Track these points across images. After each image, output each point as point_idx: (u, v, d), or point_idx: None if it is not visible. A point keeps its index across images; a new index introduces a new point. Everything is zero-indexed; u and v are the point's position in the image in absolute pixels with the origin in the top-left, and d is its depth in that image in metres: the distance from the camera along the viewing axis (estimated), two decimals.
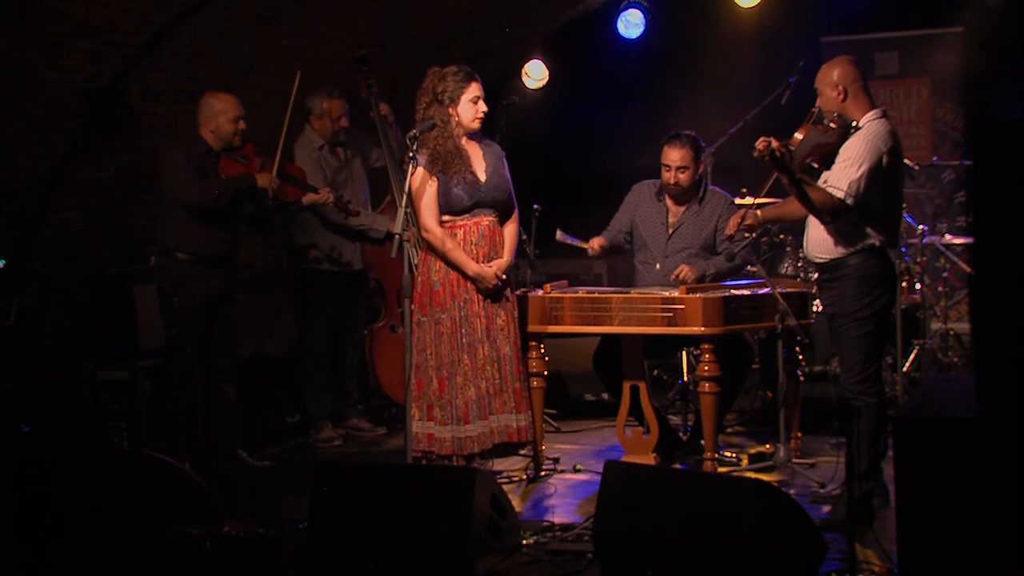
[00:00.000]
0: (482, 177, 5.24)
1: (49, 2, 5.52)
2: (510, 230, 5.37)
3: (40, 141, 6.05)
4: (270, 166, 5.92)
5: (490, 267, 5.20)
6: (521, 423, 5.26)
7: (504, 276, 5.25)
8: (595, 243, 6.02)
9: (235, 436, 6.19)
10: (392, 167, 6.60)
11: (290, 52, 6.86)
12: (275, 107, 6.11)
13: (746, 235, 5.51)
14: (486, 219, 5.25)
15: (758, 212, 5.19)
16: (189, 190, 5.78)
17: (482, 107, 5.24)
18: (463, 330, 5.17)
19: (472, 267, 5.16)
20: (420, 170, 5.13)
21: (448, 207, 5.18)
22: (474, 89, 5.21)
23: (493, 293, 5.22)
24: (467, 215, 5.21)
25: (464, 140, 5.25)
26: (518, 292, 5.77)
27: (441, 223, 5.17)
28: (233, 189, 5.83)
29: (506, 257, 5.29)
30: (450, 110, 5.18)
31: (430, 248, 5.20)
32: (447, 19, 7.78)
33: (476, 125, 5.25)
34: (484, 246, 5.22)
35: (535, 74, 8.63)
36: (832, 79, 4.92)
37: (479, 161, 5.27)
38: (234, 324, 6.17)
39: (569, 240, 5.98)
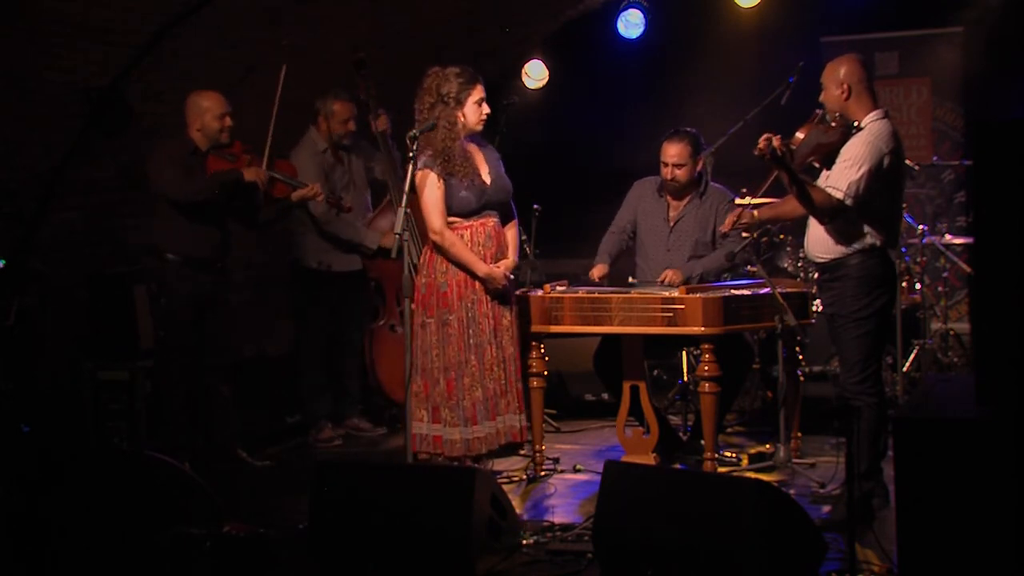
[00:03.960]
0: (487, 179, 5.23)
1: (49, 2, 5.51)
2: (512, 231, 5.37)
3: (40, 141, 6.05)
4: (259, 163, 5.88)
5: (498, 267, 5.21)
6: (522, 423, 5.27)
7: (512, 276, 5.28)
8: (595, 273, 6.01)
9: (235, 436, 6.18)
10: (391, 174, 6.60)
11: (290, 52, 6.85)
12: None
13: (743, 234, 5.52)
14: (490, 221, 5.24)
15: (755, 212, 5.21)
16: (174, 185, 5.73)
17: (486, 108, 5.23)
18: (470, 331, 5.15)
19: (482, 268, 5.16)
20: (428, 172, 5.10)
21: (456, 209, 5.16)
22: (479, 91, 5.19)
23: (500, 294, 5.22)
24: (474, 217, 5.20)
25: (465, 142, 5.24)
26: (518, 292, 5.78)
27: (448, 225, 5.16)
28: (219, 183, 5.75)
29: (512, 257, 5.30)
30: (456, 112, 5.16)
31: (436, 249, 5.18)
32: (447, 19, 7.77)
33: (480, 127, 5.24)
34: (491, 247, 5.22)
35: (535, 74, 8.63)
36: (838, 76, 4.91)
37: (482, 163, 5.26)
38: (229, 324, 6.16)
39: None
